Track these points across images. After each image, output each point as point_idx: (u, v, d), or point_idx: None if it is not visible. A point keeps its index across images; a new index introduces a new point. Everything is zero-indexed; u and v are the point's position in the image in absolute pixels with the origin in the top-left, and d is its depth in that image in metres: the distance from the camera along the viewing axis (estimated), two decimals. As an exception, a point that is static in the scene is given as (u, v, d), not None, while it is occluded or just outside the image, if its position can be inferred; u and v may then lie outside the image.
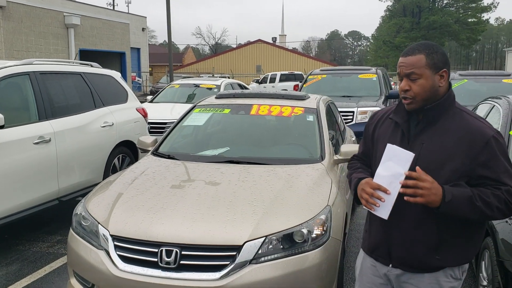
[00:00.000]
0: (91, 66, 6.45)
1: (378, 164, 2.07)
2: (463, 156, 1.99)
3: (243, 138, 4.59)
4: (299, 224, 3.04)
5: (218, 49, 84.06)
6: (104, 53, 18.50)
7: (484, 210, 1.94)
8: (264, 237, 2.94)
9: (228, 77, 32.19)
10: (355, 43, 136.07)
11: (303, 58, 51.01)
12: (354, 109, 8.62)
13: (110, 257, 3.02)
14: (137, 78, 31.66)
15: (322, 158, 4.05)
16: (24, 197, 4.77)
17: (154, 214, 3.14)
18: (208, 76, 28.70)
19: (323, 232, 3.10)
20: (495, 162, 1.99)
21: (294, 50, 64.63)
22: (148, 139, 4.64)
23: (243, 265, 2.87)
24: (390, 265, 2.19)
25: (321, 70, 10.60)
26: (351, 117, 8.53)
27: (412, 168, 1.94)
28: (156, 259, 2.92)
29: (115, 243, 3.06)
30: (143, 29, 35.59)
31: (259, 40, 50.15)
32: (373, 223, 2.25)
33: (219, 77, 30.03)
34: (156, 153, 4.35)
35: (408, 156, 1.95)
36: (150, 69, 47.08)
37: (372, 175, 2.11)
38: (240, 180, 3.56)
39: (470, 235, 2.08)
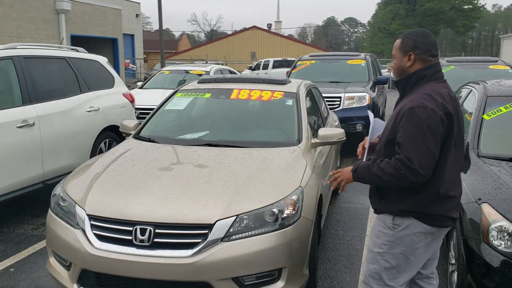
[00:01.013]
0: (77, 51, 6.48)
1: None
2: (391, 123, 2.48)
3: (222, 122, 4.66)
4: (270, 204, 3.13)
5: (214, 36, 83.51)
6: (96, 39, 18.40)
7: (379, 175, 2.39)
8: (235, 216, 3.03)
9: (222, 64, 32.16)
10: (351, 30, 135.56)
11: (298, 44, 50.83)
12: (341, 95, 8.67)
13: (86, 236, 3.11)
14: (131, 65, 31.56)
15: (299, 141, 4.12)
16: (8, 180, 4.83)
17: (129, 194, 3.22)
18: (202, 63, 28.66)
19: (294, 212, 3.18)
20: (403, 129, 2.36)
21: (289, 37, 64.42)
22: (131, 123, 4.70)
23: (214, 242, 2.96)
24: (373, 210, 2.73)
25: (310, 56, 10.64)
26: (338, 102, 8.58)
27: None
28: (130, 237, 3.01)
29: (92, 222, 3.14)
30: (137, 15, 35.34)
31: (254, 27, 49.91)
32: None
33: (212, 63, 29.99)
34: (137, 136, 4.42)
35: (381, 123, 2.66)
36: (145, 56, 46.87)
37: None
38: (215, 162, 3.64)
39: (393, 193, 2.49)
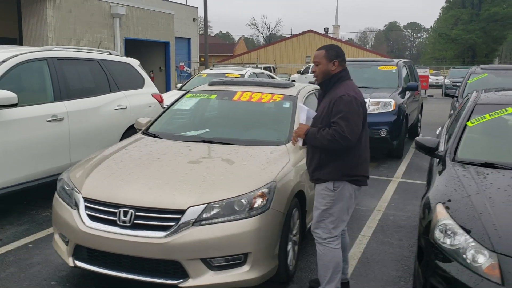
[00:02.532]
0: (110, 53, 7.08)
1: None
2: (326, 110, 3.37)
3: (222, 121, 5.04)
4: (240, 195, 3.47)
5: (272, 39, 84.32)
6: (149, 43, 19.34)
7: (321, 140, 3.30)
8: (206, 204, 3.39)
9: (273, 68, 32.57)
10: (414, 35, 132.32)
11: (356, 50, 50.32)
12: (366, 100, 8.80)
13: (80, 215, 3.58)
14: (185, 68, 32.59)
15: (288, 141, 4.42)
16: (38, 167, 5.44)
17: (119, 181, 3.67)
18: (252, 67, 29.21)
19: (263, 204, 3.51)
20: (336, 110, 3.31)
21: (348, 42, 63.99)
22: (144, 120, 5.19)
23: (185, 226, 3.34)
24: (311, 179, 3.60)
25: (342, 62, 10.80)
26: (363, 107, 8.73)
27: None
28: (115, 218, 3.44)
29: (85, 204, 3.61)
30: (194, 20, 36.47)
31: (310, 31, 50.04)
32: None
33: (263, 68, 30.44)
34: (145, 132, 4.88)
35: (302, 108, 3.56)
36: (202, 59, 48.17)
37: None
38: (201, 157, 4.03)
39: (332, 163, 3.39)
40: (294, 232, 4.07)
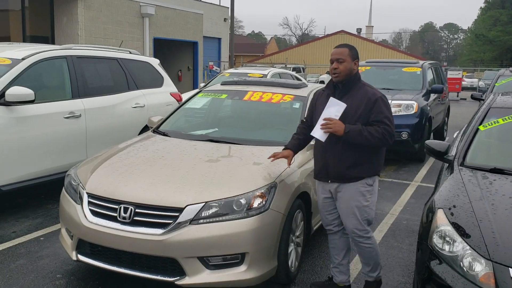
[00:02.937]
0: (130, 52, 7.19)
1: (317, 119, 3.45)
2: (363, 108, 3.39)
3: (232, 120, 5.06)
4: (239, 195, 3.47)
5: (305, 39, 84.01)
6: (177, 42, 19.56)
7: (369, 138, 3.31)
8: (204, 203, 3.40)
9: (302, 68, 32.43)
10: (451, 36, 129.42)
11: (390, 51, 49.56)
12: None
13: (83, 210, 3.65)
14: (214, 67, 32.80)
15: (295, 141, 4.39)
16: (55, 162, 5.58)
17: (123, 177, 3.72)
18: (281, 67, 29.16)
19: (262, 204, 3.50)
20: (378, 110, 3.38)
21: (380, 43, 63.13)
22: (156, 118, 5.26)
23: (183, 224, 3.36)
24: (329, 181, 3.55)
25: (366, 62, 10.68)
26: (384, 109, 8.59)
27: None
28: (116, 214, 3.50)
29: (89, 199, 3.68)
30: (225, 20, 36.66)
31: (342, 31, 49.63)
32: (315, 157, 3.66)
33: (292, 68, 30.33)
34: (155, 130, 4.94)
35: (342, 105, 3.37)
36: (234, 59, 48.46)
37: (307, 135, 3.67)
38: (206, 156, 4.05)
39: (372, 158, 3.49)
40: (297, 233, 4.04)
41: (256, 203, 3.49)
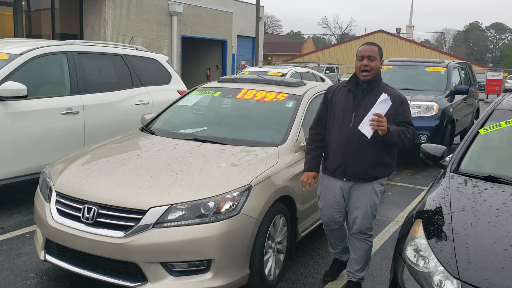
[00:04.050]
0: (136, 49, 7.11)
1: (335, 119, 3.53)
2: (389, 108, 3.32)
3: (221, 119, 4.87)
4: (207, 198, 3.27)
5: (344, 39, 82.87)
6: (206, 40, 19.54)
7: (403, 139, 3.36)
8: (169, 205, 3.22)
9: (336, 68, 31.92)
10: (497, 36, 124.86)
11: (430, 51, 48.11)
12: (406, 103, 8.28)
13: (50, 209, 3.54)
14: (246, 66, 32.75)
15: (283, 143, 4.16)
16: (51, 159, 5.51)
17: (91, 176, 3.59)
18: (313, 66, 28.78)
19: (232, 208, 3.29)
20: (404, 111, 3.47)
21: (421, 43, 61.48)
22: (149, 116, 5.13)
23: (146, 227, 3.19)
24: (345, 179, 3.52)
25: (388, 61, 10.26)
26: (402, 110, 8.20)
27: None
28: (80, 215, 3.37)
29: (57, 198, 3.57)
30: (259, 18, 36.49)
31: (380, 31, 48.59)
32: (332, 154, 3.56)
33: (325, 67, 29.88)
34: (144, 128, 4.80)
35: (389, 102, 3.32)
36: (269, 58, 48.34)
37: (324, 147, 3.66)
38: (183, 155, 3.86)
39: (389, 159, 3.55)
40: (278, 239, 3.82)
41: (226, 206, 3.29)
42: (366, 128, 3.30)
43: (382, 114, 3.25)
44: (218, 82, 5.32)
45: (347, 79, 3.68)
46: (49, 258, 3.56)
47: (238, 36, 32.49)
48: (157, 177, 3.48)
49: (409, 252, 2.72)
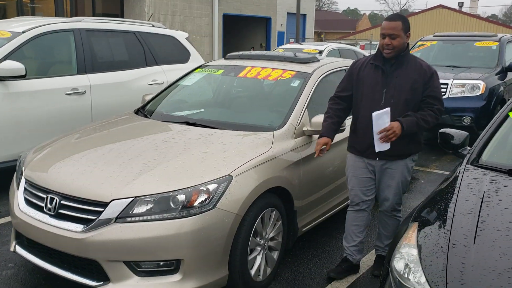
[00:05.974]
0: (153, 26, 6.77)
1: (363, 96, 3.40)
2: (420, 81, 3.28)
3: (220, 100, 4.43)
4: (177, 190, 2.89)
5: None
6: (249, 18, 19.04)
7: (424, 125, 3.27)
8: (133, 198, 2.87)
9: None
10: None
11: (497, 27, 44.85)
12: (449, 81, 7.50)
13: (18, 198, 3.28)
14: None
15: (281, 127, 3.69)
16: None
17: (59, 162, 3.29)
18: (365, 44, 27.61)
19: (206, 202, 2.89)
20: (436, 85, 3.34)
21: (487, 18, 57.82)
22: (149, 96, 4.77)
23: (107, 222, 2.85)
24: (377, 158, 3.41)
25: (434, 36, 9.39)
26: (444, 90, 7.45)
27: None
28: (43, 205, 3.08)
29: (25, 186, 3.29)
30: (305, -5, 35.42)
31: (440, 6, 46.00)
32: (361, 132, 3.43)
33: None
34: (139, 110, 4.46)
35: (387, 111, 3.21)
36: (323, 35, 47.07)
37: (344, 115, 3.57)
38: (163, 141, 3.48)
39: (420, 135, 3.48)
40: (269, 236, 3.39)
41: (199, 200, 2.89)
42: (380, 146, 3.27)
43: (386, 128, 3.18)
44: (225, 59, 4.88)
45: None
46: (19, 250, 3.31)
47: (288, 13, 31.72)
48: (126, 166, 3.12)
49: (396, 263, 2.22)
